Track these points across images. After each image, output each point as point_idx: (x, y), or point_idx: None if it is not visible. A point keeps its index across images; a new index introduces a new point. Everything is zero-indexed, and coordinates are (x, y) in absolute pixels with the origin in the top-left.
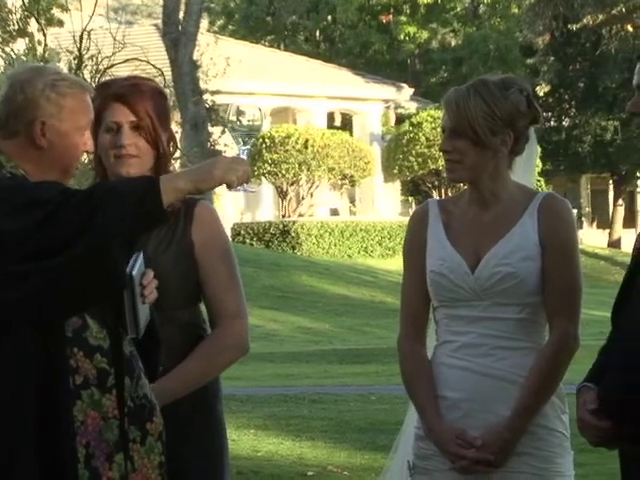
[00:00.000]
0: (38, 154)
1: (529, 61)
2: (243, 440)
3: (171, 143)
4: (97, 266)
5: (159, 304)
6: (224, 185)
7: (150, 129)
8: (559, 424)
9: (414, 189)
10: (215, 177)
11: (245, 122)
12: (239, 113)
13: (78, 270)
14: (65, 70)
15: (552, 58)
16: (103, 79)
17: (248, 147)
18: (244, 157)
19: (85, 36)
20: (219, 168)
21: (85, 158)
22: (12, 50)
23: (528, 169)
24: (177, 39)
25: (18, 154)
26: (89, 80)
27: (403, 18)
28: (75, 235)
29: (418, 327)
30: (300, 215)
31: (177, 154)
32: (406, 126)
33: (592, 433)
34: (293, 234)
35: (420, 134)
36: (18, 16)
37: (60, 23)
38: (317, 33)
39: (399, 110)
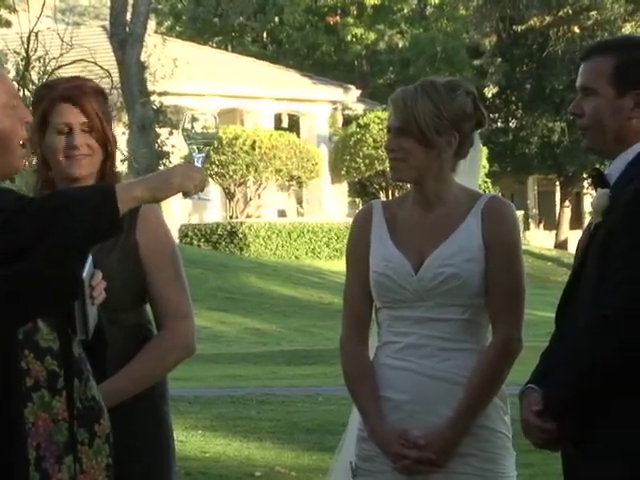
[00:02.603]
0: None
1: (476, 62)
2: (191, 441)
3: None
4: (55, 274)
5: (105, 305)
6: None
7: (99, 129)
8: (502, 425)
9: (361, 190)
10: (173, 185)
11: (199, 129)
12: (193, 120)
13: (36, 278)
14: (13, 72)
15: (499, 59)
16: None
17: (203, 155)
18: (199, 165)
19: (32, 37)
20: (177, 176)
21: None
22: None
23: (472, 172)
24: (124, 40)
25: None
26: (37, 82)
27: (350, 20)
28: (32, 243)
29: (361, 328)
30: (248, 216)
31: (125, 155)
32: (353, 127)
33: (536, 435)
34: (241, 235)
35: (367, 135)
36: None
37: (7, 24)
38: (264, 34)
39: (346, 111)
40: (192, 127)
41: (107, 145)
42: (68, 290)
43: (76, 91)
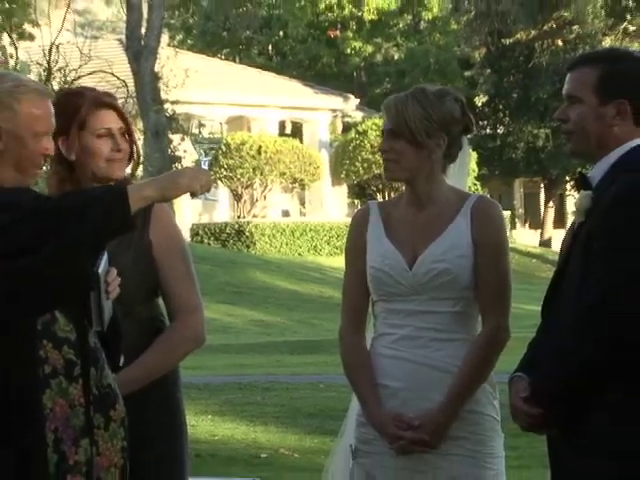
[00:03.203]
0: None
1: (467, 73)
2: (201, 425)
3: None
4: (66, 270)
5: (120, 300)
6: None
7: (132, 133)
8: (491, 409)
9: (360, 192)
10: (181, 186)
11: (206, 135)
12: (200, 126)
13: (47, 273)
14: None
15: (488, 70)
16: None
17: (209, 158)
18: (206, 168)
19: (54, 50)
20: (184, 177)
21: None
22: None
23: (461, 175)
24: (139, 52)
25: None
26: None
27: (349, 33)
28: (46, 240)
29: (359, 320)
30: (254, 216)
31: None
32: (352, 134)
33: (523, 419)
34: (247, 234)
35: (365, 141)
36: None
37: (31, 37)
38: (269, 47)
39: (346, 119)
40: (199, 133)
41: (133, 149)
42: (76, 287)
43: (111, 98)
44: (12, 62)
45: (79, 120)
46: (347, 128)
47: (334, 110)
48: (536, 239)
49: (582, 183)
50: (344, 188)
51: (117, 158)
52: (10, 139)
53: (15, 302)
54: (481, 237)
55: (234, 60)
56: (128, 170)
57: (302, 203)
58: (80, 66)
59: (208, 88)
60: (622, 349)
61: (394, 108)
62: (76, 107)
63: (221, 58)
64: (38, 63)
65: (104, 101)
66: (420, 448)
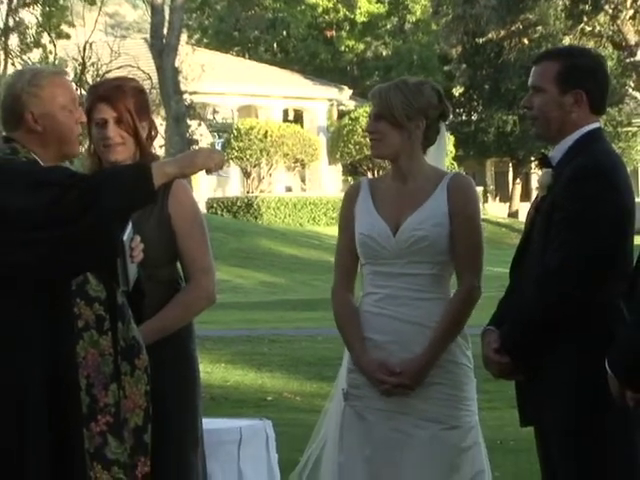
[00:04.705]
0: (40, 137)
1: (445, 68)
2: (215, 372)
3: (152, 130)
4: (96, 240)
5: (143, 264)
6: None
7: (130, 122)
8: (464, 358)
9: (353, 170)
10: (197, 164)
11: (220, 121)
12: (215, 113)
13: (82, 240)
14: (71, 75)
15: (464, 65)
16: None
17: (222, 140)
18: (219, 149)
19: (88, 47)
20: (200, 157)
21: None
22: (28, 59)
23: (440, 155)
24: (162, 50)
25: (26, 141)
26: (91, 83)
27: (344, 33)
28: (80, 213)
29: (348, 279)
30: (261, 191)
31: (162, 142)
32: (346, 120)
33: (495, 367)
34: (255, 207)
35: (357, 126)
36: (33, 31)
37: (68, 36)
38: (275, 45)
39: (340, 107)
40: (214, 119)
41: (137, 134)
42: (105, 254)
43: (112, 92)
44: (51, 58)
45: (86, 112)
46: (342, 115)
47: (330, 99)
48: (505, 211)
49: (544, 162)
50: (339, 167)
51: (108, 144)
52: (45, 120)
53: (55, 266)
54: (457, 208)
55: (244, 56)
56: (129, 153)
57: (303, 180)
58: (110, 61)
59: (221, 81)
60: (576, 303)
61: (379, 95)
62: (87, 99)
63: (233, 55)
64: (74, 59)
65: (102, 95)
66: (402, 391)
